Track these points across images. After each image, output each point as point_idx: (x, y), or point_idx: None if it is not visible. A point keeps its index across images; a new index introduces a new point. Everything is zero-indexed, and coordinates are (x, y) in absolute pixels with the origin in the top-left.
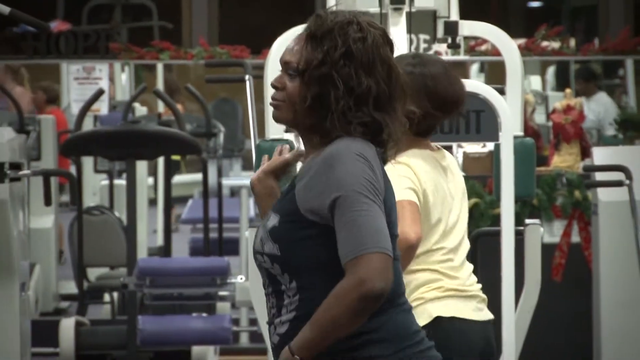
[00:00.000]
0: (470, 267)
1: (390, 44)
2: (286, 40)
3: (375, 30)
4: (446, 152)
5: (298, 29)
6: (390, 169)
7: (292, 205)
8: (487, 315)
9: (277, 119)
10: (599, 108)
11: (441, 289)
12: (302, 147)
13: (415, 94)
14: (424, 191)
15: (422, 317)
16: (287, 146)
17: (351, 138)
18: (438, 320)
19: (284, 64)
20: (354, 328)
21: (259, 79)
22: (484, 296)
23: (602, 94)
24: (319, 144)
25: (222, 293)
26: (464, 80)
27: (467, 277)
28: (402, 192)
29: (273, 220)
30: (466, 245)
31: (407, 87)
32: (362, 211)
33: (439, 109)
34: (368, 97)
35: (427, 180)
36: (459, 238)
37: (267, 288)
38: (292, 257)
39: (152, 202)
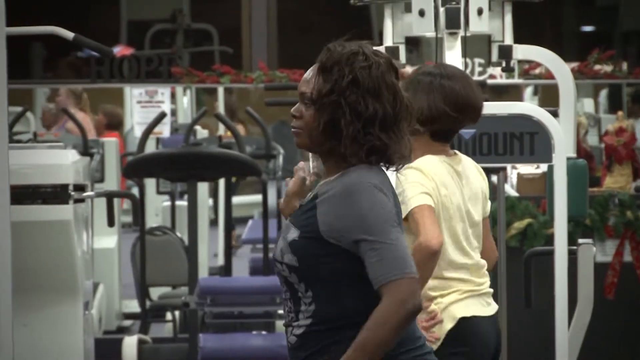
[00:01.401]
0: (484, 264)
1: (395, 70)
2: None
3: (380, 58)
4: (463, 157)
5: None
6: (402, 176)
7: (313, 226)
8: (495, 308)
9: (298, 144)
10: None
11: (459, 291)
12: (319, 165)
13: (433, 95)
14: (437, 194)
15: (446, 320)
16: (302, 164)
17: (365, 168)
18: (461, 320)
19: (300, 94)
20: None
21: None
22: (491, 290)
23: None
24: (335, 166)
25: (281, 311)
26: (519, 103)
27: (480, 276)
28: (418, 198)
29: (293, 233)
30: (480, 244)
31: (412, 109)
32: (387, 241)
33: (457, 111)
34: (375, 120)
35: (439, 184)
36: (475, 240)
37: (285, 293)
38: (310, 269)
39: (213, 223)
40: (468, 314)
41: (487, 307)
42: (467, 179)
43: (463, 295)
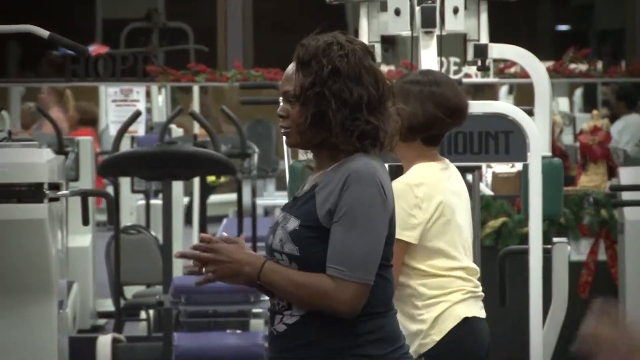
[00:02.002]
0: (478, 270)
1: (371, 54)
2: None
3: (355, 45)
4: (447, 160)
5: None
6: (403, 194)
7: (312, 214)
8: (484, 312)
9: (289, 144)
10: (618, 127)
11: (463, 291)
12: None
13: (425, 103)
14: (433, 213)
15: (451, 318)
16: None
17: (363, 156)
18: (464, 320)
19: (284, 94)
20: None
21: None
22: (483, 294)
23: (633, 115)
24: (328, 157)
25: (255, 310)
26: (494, 102)
27: (476, 279)
28: (400, 232)
29: (293, 223)
30: (471, 247)
31: (394, 87)
32: (364, 236)
33: (450, 116)
34: (361, 104)
35: (440, 196)
36: (469, 242)
37: None
38: (310, 257)
39: (188, 222)
40: (470, 314)
41: (482, 311)
42: (455, 182)
43: (466, 296)
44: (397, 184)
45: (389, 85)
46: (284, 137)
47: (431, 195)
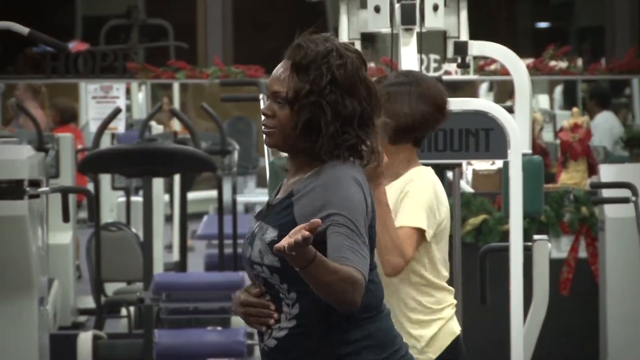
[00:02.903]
0: None
1: (365, 64)
2: None
3: (352, 54)
4: None
5: None
6: (427, 190)
7: (291, 223)
8: None
9: (269, 144)
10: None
11: (451, 305)
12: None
13: (414, 103)
14: (445, 216)
15: (446, 335)
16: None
17: (341, 163)
18: (458, 336)
19: (273, 93)
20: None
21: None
22: None
23: (604, 113)
24: (306, 164)
25: None
26: (474, 99)
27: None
28: (422, 220)
29: (271, 233)
30: None
31: (381, 100)
32: (356, 232)
33: (440, 112)
34: (353, 119)
35: (447, 203)
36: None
37: (265, 295)
38: (291, 268)
39: (168, 219)
40: (459, 329)
41: None
42: None
43: (453, 310)
44: (422, 180)
45: (379, 100)
46: (265, 136)
47: (443, 200)
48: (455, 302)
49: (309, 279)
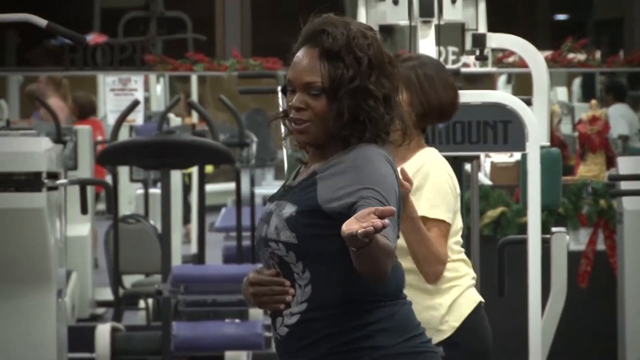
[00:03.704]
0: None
1: (382, 42)
2: None
3: (373, 32)
4: None
5: None
6: (444, 175)
7: (313, 200)
8: None
9: (304, 141)
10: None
11: (470, 275)
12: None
13: (442, 88)
14: (458, 193)
15: (469, 302)
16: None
17: (374, 145)
18: (478, 304)
19: (305, 84)
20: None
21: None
22: None
23: (618, 105)
24: (333, 149)
25: None
26: (492, 92)
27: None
28: (445, 212)
29: (289, 209)
30: None
31: (404, 81)
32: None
33: (457, 101)
34: (390, 99)
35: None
36: None
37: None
38: (309, 245)
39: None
40: (480, 298)
41: None
42: None
43: (472, 281)
44: (437, 166)
45: (398, 77)
46: (297, 134)
47: (453, 174)
48: (474, 274)
49: (360, 255)
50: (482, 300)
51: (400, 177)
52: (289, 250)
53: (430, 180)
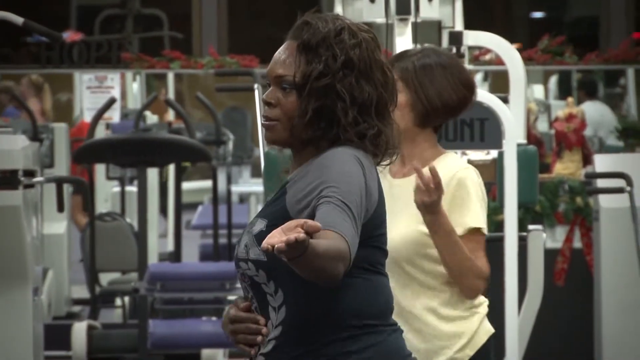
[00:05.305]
0: None
1: (379, 47)
2: None
3: (366, 34)
4: None
5: None
6: (478, 183)
7: (282, 210)
8: None
9: (270, 140)
10: None
11: (486, 302)
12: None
13: (452, 84)
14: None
15: (483, 332)
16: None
17: (350, 147)
18: (492, 335)
19: (276, 77)
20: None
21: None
22: None
23: (589, 103)
24: (310, 155)
25: (231, 297)
26: None
27: None
28: (483, 219)
29: (259, 225)
30: None
31: (397, 90)
32: (343, 213)
33: (471, 99)
34: (370, 106)
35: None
36: None
37: (252, 304)
38: (279, 261)
39: (163, 209)
40: (492, 330)
41: None
42: None
43: (486, 309)
44: (471, 172)
45: (395, 87)
46: (265, 131)
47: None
48: (486, 300)
49: (297, 266)
50: (494, 331)
51: (428, 178)
52: (259, 269)
53: (469, 188)
